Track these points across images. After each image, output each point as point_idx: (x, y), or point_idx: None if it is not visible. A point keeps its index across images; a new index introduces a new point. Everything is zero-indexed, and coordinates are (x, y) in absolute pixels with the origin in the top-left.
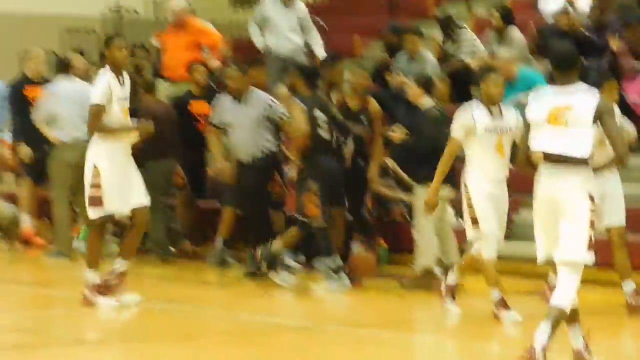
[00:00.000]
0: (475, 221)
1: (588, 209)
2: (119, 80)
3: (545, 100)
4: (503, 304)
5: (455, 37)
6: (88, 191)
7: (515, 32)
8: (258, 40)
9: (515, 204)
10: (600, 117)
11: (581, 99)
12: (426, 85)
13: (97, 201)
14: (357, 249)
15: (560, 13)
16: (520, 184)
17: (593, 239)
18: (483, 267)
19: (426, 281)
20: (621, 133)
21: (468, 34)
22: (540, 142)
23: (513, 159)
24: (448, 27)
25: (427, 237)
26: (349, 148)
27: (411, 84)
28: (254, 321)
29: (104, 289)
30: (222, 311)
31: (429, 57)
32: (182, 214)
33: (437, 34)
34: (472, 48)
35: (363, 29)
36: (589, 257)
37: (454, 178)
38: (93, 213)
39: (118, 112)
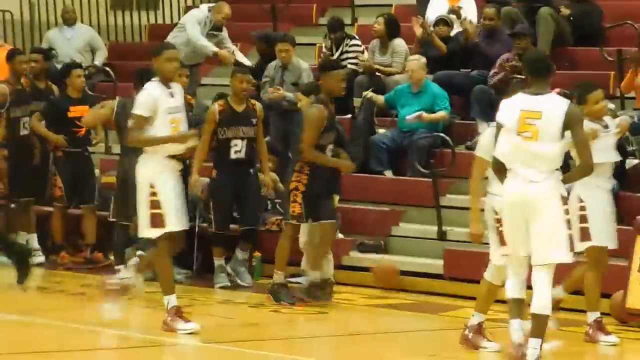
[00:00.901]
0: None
1: (561, 209)
2: (168, 92)
3: (516, 105)
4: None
5: (342, 44)
6: (146, 211)
7: (399, 42)
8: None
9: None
10: (569, 126)
11: (551, 107)
12: (312, 92)
13: (157, 221)
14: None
15: (439, 21)
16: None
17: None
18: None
19: (314, 292)
20: (587, 143)
21: (354, 42)
22: (509, 149)
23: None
24: (336, 33)
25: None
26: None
27: (300, 96)
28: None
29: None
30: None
31: (303, 65)
32: (57, 225)
33: (323, 41)
34: (355, 55)
35: (247, 36)
36: (569, 257)
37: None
38: (154, 233)
39: (166, 124)
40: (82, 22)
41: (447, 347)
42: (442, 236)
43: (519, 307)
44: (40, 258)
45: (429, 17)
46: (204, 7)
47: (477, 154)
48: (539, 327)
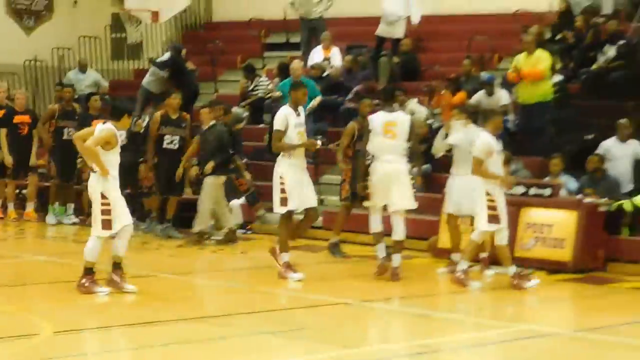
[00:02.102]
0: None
1: (408, 179)
2: (296, 113)
3: (379, 118)
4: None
5: (255, 80)
6: (277, 195)
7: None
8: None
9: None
10: (411, 130)
11: (401, 119)
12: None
13: (284, 202)
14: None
15: (314, 65)
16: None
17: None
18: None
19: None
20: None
21: (263, 79)
22: (379, 146)
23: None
24: (250, 74)
25: (204, 209)
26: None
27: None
28: None
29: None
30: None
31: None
32: (86, 198)
33: (243, 79)
34: (266, 88)
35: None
36: (414, 204)
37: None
38: (282, 209)
39: (295, 135)
40: (91, 67)
41: (319, 270)
42: (320, 202)
43: (380, 236)
44: (75, 219)
45: (309, 64)
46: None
47: (474, 154)
48: (399, 247)
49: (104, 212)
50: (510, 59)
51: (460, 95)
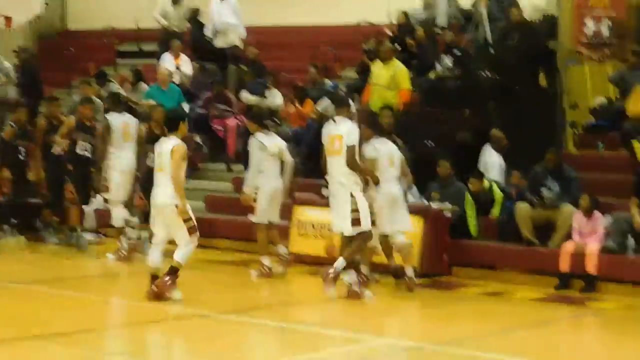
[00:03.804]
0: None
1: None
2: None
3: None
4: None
5: (106, 87)
6: (351, 215)
7: (143, 85)
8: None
9: None
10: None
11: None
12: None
13: (357, 222)
14: None
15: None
16: None
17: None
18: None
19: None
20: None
21: (114, 85)
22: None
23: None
24: (102, 80)
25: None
26: None
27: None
28: None
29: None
30: None
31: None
32: None
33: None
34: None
35: None
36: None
37: None
38: (355, 230)
39: None
40: None
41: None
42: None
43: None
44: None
45: (162, 65)
46: None
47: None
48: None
49: None
50: (351, 68)
51: (308, 103)
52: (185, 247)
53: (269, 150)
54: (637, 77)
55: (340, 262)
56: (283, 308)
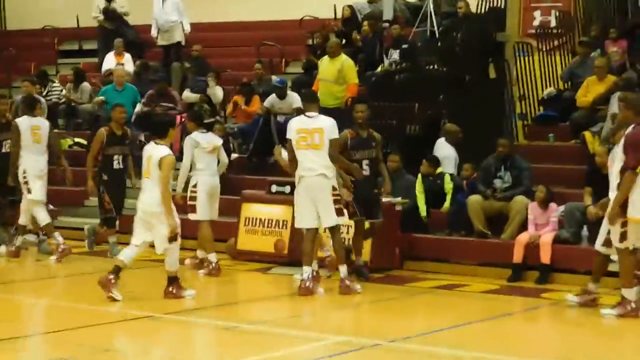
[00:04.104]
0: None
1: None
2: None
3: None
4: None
5: (47, 86)
6: (334, 205)
7: (86, 84)
8: None
9: None
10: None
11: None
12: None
13: (340, 212)
14: None
15: (109, 71)
16: None
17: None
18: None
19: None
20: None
21: (55, 85)
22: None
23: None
24: (43, 80)
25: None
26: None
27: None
28: None
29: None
30: None
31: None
32: None
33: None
34: (59, 94)
35: None
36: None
37: None
38: (340, 220)
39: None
40: None
41: None
42: None
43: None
44: None
45: (103, 69)
46: None
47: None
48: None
49: None
50: (297, 64)
51: (255, 99)
52: (173, 255)
53: (201, 146)
54: (586, 69)
55: (344, 269)
56: (232, 307)
